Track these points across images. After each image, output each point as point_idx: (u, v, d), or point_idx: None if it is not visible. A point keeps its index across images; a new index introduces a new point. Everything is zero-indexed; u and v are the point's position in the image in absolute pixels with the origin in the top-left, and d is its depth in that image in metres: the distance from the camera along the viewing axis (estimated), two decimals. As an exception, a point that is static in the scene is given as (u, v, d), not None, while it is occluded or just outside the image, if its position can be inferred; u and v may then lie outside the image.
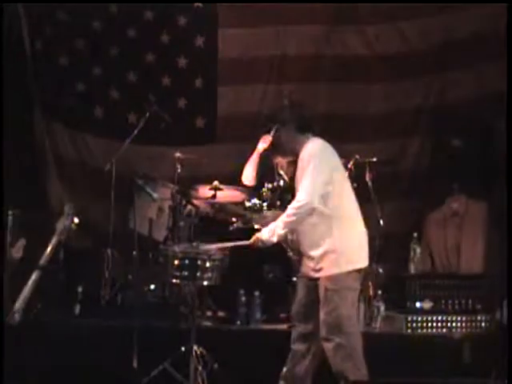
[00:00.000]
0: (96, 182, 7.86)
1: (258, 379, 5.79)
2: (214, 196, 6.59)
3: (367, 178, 6.80)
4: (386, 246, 6.68)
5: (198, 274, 5.61)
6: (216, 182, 6.58)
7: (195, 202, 7.05)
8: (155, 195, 7.29)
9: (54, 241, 6.30)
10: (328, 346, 4.91)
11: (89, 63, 8.19)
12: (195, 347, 5.59)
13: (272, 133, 6.85)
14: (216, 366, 5.65)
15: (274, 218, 5.15)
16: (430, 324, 6.45)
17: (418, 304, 6.57)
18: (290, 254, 6.22)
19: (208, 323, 6.51)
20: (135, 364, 5.80)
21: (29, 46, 8.05)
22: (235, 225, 6.59)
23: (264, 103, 8.19)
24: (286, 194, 6.21)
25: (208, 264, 5.64)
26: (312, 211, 4.94)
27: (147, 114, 7.41)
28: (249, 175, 7.10)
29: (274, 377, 5.21)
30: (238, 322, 6.54)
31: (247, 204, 6.44)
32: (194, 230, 6.97)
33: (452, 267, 7.41)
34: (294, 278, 6.36)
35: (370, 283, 6.58)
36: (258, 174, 7.05)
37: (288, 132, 5.21)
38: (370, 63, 8.21)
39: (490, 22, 7.65)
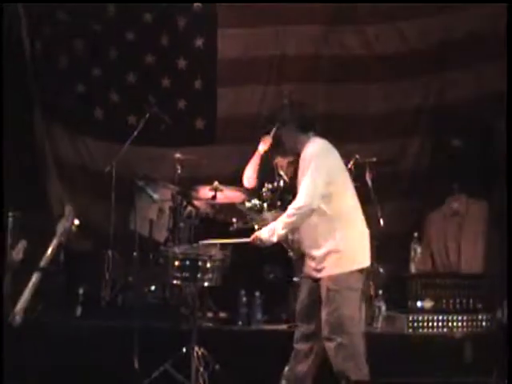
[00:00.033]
0: (96, 183, 7.87)
1: (259, 379, 5.78)
2: (215, 197, 6.59)
3: (367, 178, 6.80)
4: (386, 245, 6.67)
5: (199, 275, 5.62)
6: (216, 183, 6.58)
7: (196, 203, 7.05)
8: (156, 196, 7.29)
9: (54, 242, 6.30)
10: (330, 346, 4.91)
11: (88, 65, 8.19)
12: (196, 348, 5.59)
13: (272, 133, 6.88)
14: (217, 366, 5.65)
15: (274, 220, 5.15)
16: (431, 323, 6.45)
17: (419, 304, 6.58)
18: (291, 254, 6.23)
19: (209, 324, 6.50)
20: (136, 365, 5.79)
21: (28, 47, 8.05)
22: (235, 226, 6.59)
23: (263, 104, 8.20)
24: (287, 194, 6.21)
25: (209, 265, 5.65)
26: (312, 212, 4.93)
27: (147, 116, 7.42)
28: (249, 177, 7.11)
29: (276, 377, 5.22)
30: (239, 323, 6.54)
31: (247, 204, 6.44)
32: (195, 231, 6.97)
33: (452, 267, 7.41)
34: (295, 279, 6.37)
35: (371, 283, 6.58)
36: (258, 175, 7.06)
37: (289, 131, 5.19)
38: (370, 63, 8.21)
39: (488, 22, 7.65)
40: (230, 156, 7.93)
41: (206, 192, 6.77)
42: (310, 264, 5.07)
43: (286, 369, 5.15)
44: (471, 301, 6.62)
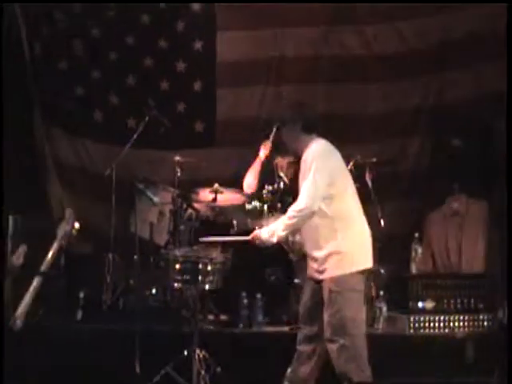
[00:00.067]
0: (96, 186, 7.87)
1: (260, 382, 5.78)
2: (215, 199, 6.59)
3: (367, 179, 6.79)
4: (387, 246, 6.67)
5: (200, 277, 5.62)
6: (216, 185, 6.58)
7: (196, 205, 7.05)
8: (156, 199, 7.29)
9: (55, 246, 6.27)
10: (332, 348, 4.91)
11: (88, 67, 8.19)
12: (197, 351, 5.58)
13: (271, 136, 6.86)
14: (219, 369, 5.65)
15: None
16: (432, 324, 6.45)
17: (420, 304, 6.57)
18: (291, 255, 6.22)
19: (210, 326, 6.49)
20: (137, 368, 5.78)
21: (27, 49, 8.04)
22: (236, 228, 6.59)
23: (263, 106, 8.20)
24: (287, 196, 6.21)
25: (209, 267, 5.65)
26: (313, 214, 4.93)
27: (146, 119, 7.42)
28: (250, 183, 7.10)
29: (277, 379, 5.21)
30: (240, 325, 6.53)
31: (248, 207, 6.44)
32: (195, 233, 6.96)
33: (453, 267, 7.41)
34: (296, 280, 6.37)
35: (372, 284, 6.57)
36: (259, 181, 7.04)
37: (291, 131, 5.17)
38: (369, 63, 8.21)
39: (488, 22, 7.65)
40: (229, 158, 7.93)
41: (206, 194, 6.77)
42: (312, 265, 5.07)
43: (289, 370, 5.15)
44: (472, 301, 6.62)
